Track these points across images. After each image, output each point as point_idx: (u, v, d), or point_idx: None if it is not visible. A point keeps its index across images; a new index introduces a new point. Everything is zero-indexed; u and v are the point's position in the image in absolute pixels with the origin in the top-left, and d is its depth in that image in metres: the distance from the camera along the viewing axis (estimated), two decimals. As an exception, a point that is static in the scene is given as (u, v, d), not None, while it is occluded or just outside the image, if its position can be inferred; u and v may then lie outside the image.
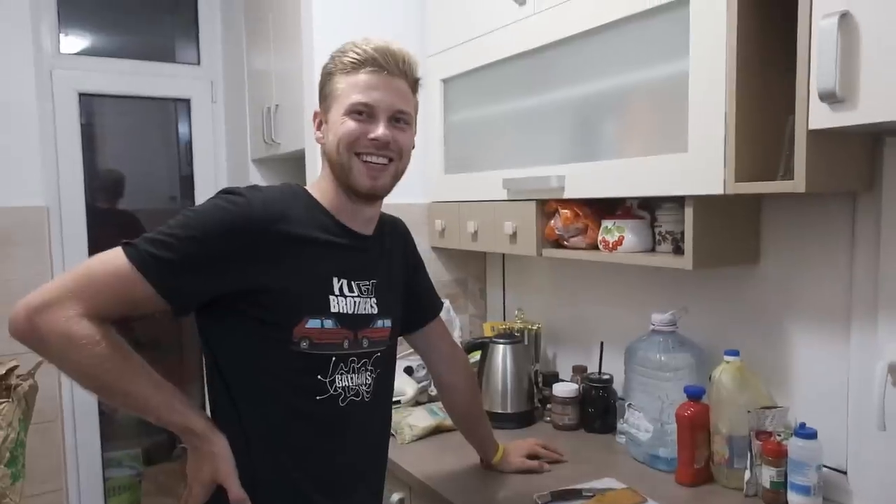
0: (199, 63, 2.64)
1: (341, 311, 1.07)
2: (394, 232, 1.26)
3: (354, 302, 1.10)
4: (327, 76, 1.11)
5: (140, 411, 1.01)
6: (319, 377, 1.05)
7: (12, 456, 1.22)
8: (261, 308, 1.01)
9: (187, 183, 2.68)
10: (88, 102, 2.47)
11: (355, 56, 1.06)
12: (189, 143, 2.65)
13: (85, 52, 2.48)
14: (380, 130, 1.06)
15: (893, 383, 1.16)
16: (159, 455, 2.73)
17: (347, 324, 1.08)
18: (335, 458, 1.10)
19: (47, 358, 0.96)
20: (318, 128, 1.13)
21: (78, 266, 0.97)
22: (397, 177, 1.12)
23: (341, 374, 1.08)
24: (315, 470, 1.07)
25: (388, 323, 1.17)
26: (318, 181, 1.15)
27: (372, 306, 1.13)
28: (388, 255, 1.21)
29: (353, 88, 1.06)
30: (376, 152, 1.07)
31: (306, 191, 1.13)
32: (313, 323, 1.04)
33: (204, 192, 2.57)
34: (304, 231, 1.05)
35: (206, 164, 2.66)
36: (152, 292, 0.96)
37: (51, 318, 0.92)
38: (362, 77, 1.06)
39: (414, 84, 1.12)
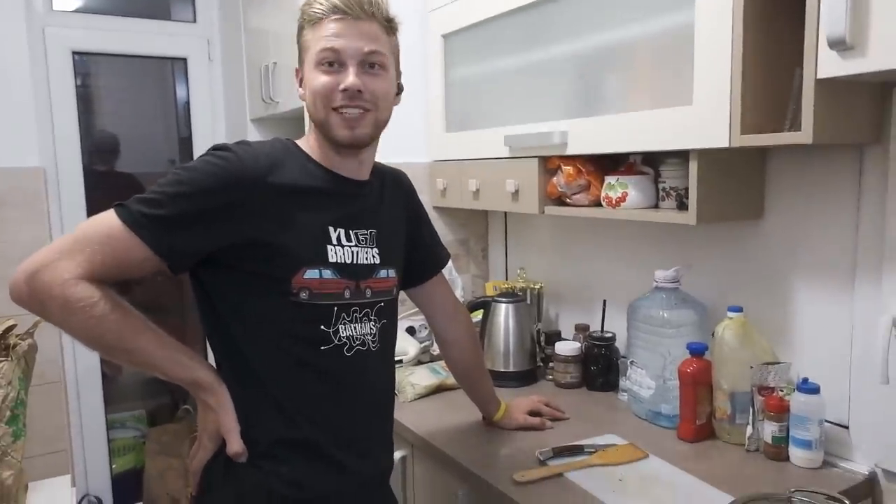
0: (195, 21, 2.58)
1: (339, 260, 1.06)
2: (395, 184, 1.25)
3: (353, 252, 1.09)
4: (299, 31, 1.09)
5: (146, 367, 1.01)
6: (322, 327, 1.05)
7: (13, 414, 1.22)
8: (258, 261, 1.01)
9: (186, 144, 2.65)
10: (83, 62, 2.42)
11: (319, 6, 1.04)
12: (187, 104, 2.62)
13: (78, 10, 2.43)
14: (349, 80, 1.03)
15: (897, 337, 1.16)
16: (163, 416, 2.76)
17: (347, 274, 1.07)
18: (346, 409, 1.10)
19: (50, 321, 0.96)
20: (300, 84, 1.12)
21: (74, 229, 0.97)
22: (379, 125, 1.10)
23: (344, 324, 1.07)
24: (327, 423, 1.07)
25: (391, 273, 1.16)
26: (306, 135, 1.14)
27: (374, 256, 1.12)
28: (389, 205, 1.20)
29: (318, 39, 1.04)
30: (350, 103, 1.04)
31: (296, 144, 1.12)
32: (311, 273, 1.03)
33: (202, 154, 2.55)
34: (296, 181, 1.04)
35: (204, 124, 2.63)
36: (148, 252, 0.95)
37: (48, 282, 0.92)
38: (328, 26, 1.04)
39: (387, 25, 1.08)
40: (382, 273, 1.14)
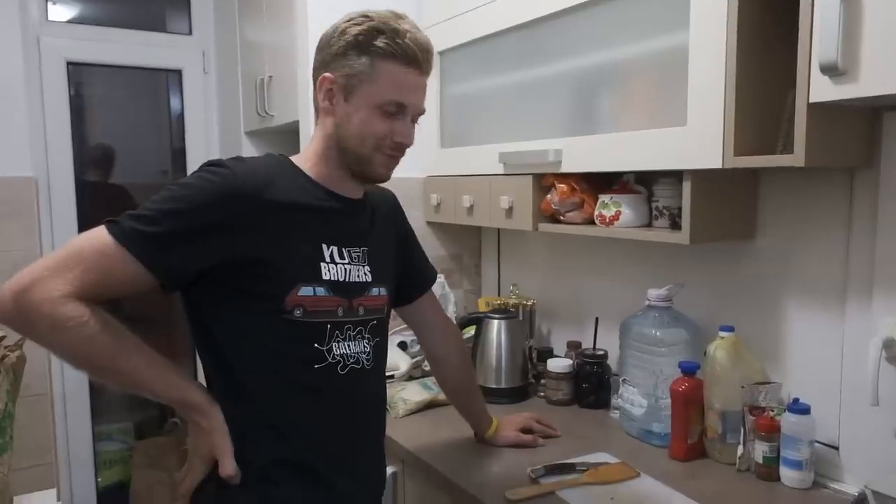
0: (190, 33, 2.59)
1: (333, 278, 1.06)
2: (384, 203, 1.25)
3: (346, 269, 1.08)
4: (363, 48, 1.03)
5: (136, 389, 0.98)
6: (316, 345, 1.04)
7: (0, 427, 1.20)
8: (252, 279, 1.00)
9: (179, 156, 2.65)
10: (77, 72, 2.42)
11: (406, 48, 1.03)
12: (181, 116, 2.62)
13: (73, 20, 2.43)
14: (411, 136, 1.09)
15: (887, 359, 1.17)
16: (150, 429, 2.73)
17: (341, 292, 1.07)
18: (340, 428, 1.09)
19: (38, 341, 0.93)
20: (330, 98, 1.07)
21: (63, 246, 0.95)
22: None
23: (338, 342, 1.07)
24: (321, 442, 1.06)
25: (383, 291, 1.16)
26: (307, 154, 1.12)
27: (366, 274, 1.12)
28: (380, 224, 1.20)
29: (394, 84, 1.04)
30: (399, 152, 1.09)
31: (290, 160, 1.11)
32: (306, 290, 1.02)
33: (196, 165, 2.50)
34: (290, 198, 1.03)
35: (198, 136, 2.62)
36: (140, 269, 0.93)
37: (37, 301, 0.89)
38: (407, 76, 1.05)
39: None
40: (374, 291, 1.13)
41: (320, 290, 1.04)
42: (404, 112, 1.06)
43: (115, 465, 2.63)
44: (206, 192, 0.97)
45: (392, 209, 1.28)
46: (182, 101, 2.60)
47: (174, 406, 1.02)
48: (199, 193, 0.96)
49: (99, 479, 2.54)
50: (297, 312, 1.02)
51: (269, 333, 1.02)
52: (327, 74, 1.06)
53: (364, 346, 1.11)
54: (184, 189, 0.97)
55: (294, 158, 1.12)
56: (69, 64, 2.35)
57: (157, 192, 0.98)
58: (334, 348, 1.06)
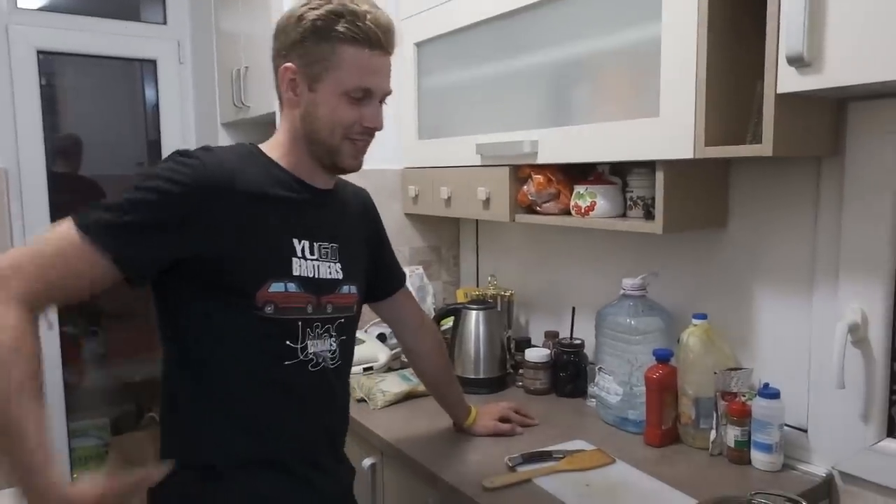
0: (165, 22, 2.55)
1: (303, 274, 1.04)
2: (356, 200, 1.24)
3: (315, 266, 1.06)
4: (323, 35, 1.00)
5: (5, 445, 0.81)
6: (289, 343, 1.03)
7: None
8: (222, 273, 0.98)
9: (154, 148, 2.61)
10: (49, 62, 2.37)
11: (368, 31, 1.00)
12: (156, 107, 2.58)
13: (44, 8, 2.38)
14: (378, 119, 1.05)
15: (852, 343, 1.20)
16: (127, 424, 2.71)
17: (311, 288, 1.05)
18: (311, 425, 1.09)
19: None
20: (293, 89, 1.04)
21: (34, 234, 0.92)
22: None
23: (311, 340, 1.06)
24: (293, 440, 1.06)
25: (353, 289, 1.15)
26: (276, 142, 1.09)
27: (337, 271, 1.11)
28: (351, 221, 1.19)
29: (359, 69, 1.01)
30: (367, 137, 1.07)
31: (260, 149, 1.08)
32: (277, 287, 1.01)
33: (171, 158, 2.51)
34: (262, 189, 1.01)
35: (173, 127, 2.59)
36: (104, 261, 0.89)
37: None
38: (371, 59, 1.01)
39: None
40: (345, 289, 1.12)
41: (291, 287, 1.02)
42: (371, 96, 1.04)
43: (91, 462, 2.60)
44: (175, 182, 0.94)
45: (365, 208, 1.27)
46: (157, 91, 2.57)
47: (25, 485, 0.81)
48: (167, 184, 0.93)
49: (74, 476, 2.51)
50: (269, 309, 1.00)
51: (239, 329, 1.00)
52: (289, 64, 1.02)
53: (329, 345, 1.10)
54: (151, 180, 0.94)
55: (263, 147, 1.09)
56: (40, 53, 2.30)
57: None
58: (309, 346, 1.05)
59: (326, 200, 1.12)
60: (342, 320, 1.12)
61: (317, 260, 1.07)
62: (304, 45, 1.01)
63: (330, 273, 1.09)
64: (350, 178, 2.12)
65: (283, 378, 1.04)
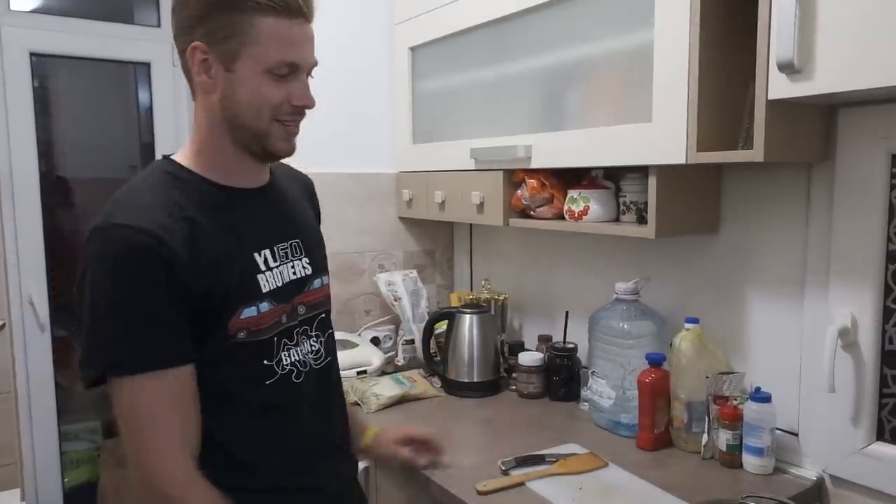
0: (159, 25, 2.55)
1: (272, 287, 0.96)
2: (296, 184, 1.15)
3: (279, 272, 0.99)
4: (233, 4, 0.87)
5: None
6: (265, 362, 0.96)
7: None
8: (200, 313, 0.89)
9: (148, 151, 2.60)
10: (41, 64, 2.36)
11: None
12: (149, 109, 2.57)
13: (37, 10, 2.37)
14: (308, 96, 0.94)
15: (843, 347, 1.21)
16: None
17: (281, 298, 0.98)
18: (306, 440, 1.02)
19: None
20: (206, 71, 0.90)
21: (125, 427, 0.87)
22: None
23: (287, 351, 0.99)
24: (287, 461, 0.99)
25: (325, 279, 1.08)
26: (193, 146, 0.97)
27: (304, 267, 1.03)
28: (298, 205, 1.10)
29: (281, 42, 0.89)
30: (298, 117, 0.95)
31: (178, 164, 0.96)
32: (249, 312, 0.93)
33: (165, 161, 2.50)
34: (201, 216, 0.90)
35: (167, 130, 2.58)
36: (180, 370, 0.87)
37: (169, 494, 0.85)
38: (292, 29, 0.89)
39: None
40: (316, 283, 1.06)
41: (263, 306, 0.95)
42: (297, 71, 0.92)
43: (82, 465, 2.58)
44: (129, 275, 0.84)
45: (307, 192, 1.18)
46: (151, 94, 2.56)
47: None
48: (126, 281, 0.84)
49: (66, 480, 2.49)
50: (241, 335, 0.92)
51: (213, 361, 0.91)
52: (197, 43, 0.89)
53: (311, 346, 1.04)
54: (107, 288, 0.84)
55: (179, 158, 0.97)
56: (33, 55, 2.29)
57: (83, 311, 0.86)
58: (283, 359, 0.98)
59: (269, 198, 1.03)
60: (322, 316, 1.07)
61: (279, 265, 0.99)
62: (211, 18, 0.88)
63: (295, 273, 1.01)
64: (346, 182, 2.13)
65: (265, 399, 0.96)
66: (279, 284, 0.98)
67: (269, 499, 0.97)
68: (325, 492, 1.05)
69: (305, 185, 1.18)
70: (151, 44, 2.55)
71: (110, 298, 0.84)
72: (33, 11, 2.38)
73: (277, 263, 0.99)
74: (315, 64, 0.95)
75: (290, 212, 1.07)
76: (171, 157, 0.99)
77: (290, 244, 1.02)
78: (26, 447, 2.34)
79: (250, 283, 0.94)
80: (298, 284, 1.02)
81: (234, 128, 0.93)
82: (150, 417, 0.86)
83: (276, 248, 0.99)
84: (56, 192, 2.42)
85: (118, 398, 0.86)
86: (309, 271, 1.04)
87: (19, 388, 2.28)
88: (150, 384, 0.85)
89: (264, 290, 0.95)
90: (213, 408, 0.92)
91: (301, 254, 1.04)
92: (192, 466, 0.89)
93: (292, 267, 1.01)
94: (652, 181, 1.31)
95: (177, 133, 2.60)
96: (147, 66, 2.57)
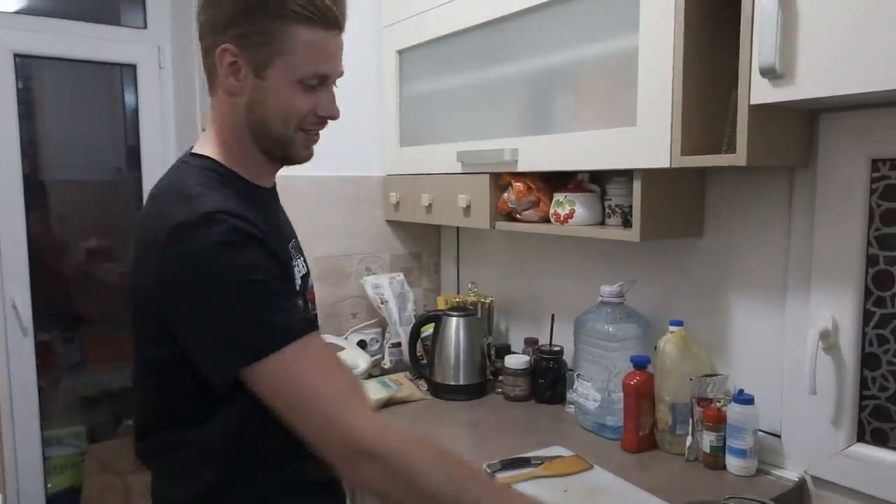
0: (145, 27, 2.54)
1: (298, 283, 0.99)
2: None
3: (297, 269, 1.01)
4: (273, 12, 0.86)
5: None
6: None
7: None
8: None
9: (134, 153, 2.58)
10: (25, 65, 2.35)
11: (324, 8, 0.87)
12: (135, 111, 2.56)
13: (22, 11, 2.35)
14: (335, 107, 0.95)
15: (824, 350, 1.22)
16: (104, 432, 2.66)
17: (300, 293, 1.00)
18: None
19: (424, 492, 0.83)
20: (234, 74, 0.89)
21: (297, 401, 0.84)
22: None
23: None
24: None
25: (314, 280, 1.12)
26: (220, 144, 0.95)
27: (304, 265, 1.06)
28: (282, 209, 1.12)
29: (316, 54, 0.88)
30: (321, 126, 0.97)
31: (218, 162, 0.95)
32: (298, 305, 0.98)
33: (151, 163, 2.48)
34: (254, 213, 0.90)
35: (153, 133, 2.57)
36: (317, 337, 0.89)
37: (373, 441, 0.82)
38: (328, 41, 0.90)
39: None
40: (310, 282, 1.08)
41: (300, 302, 0.98)
42: (326, 81, 0.93)
43: (66, 471, 2.55)
44: (239, 255, 0.83)
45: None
46: (137, 96, 2.54)
47: None
48: (240, 261, 0.83)
49: (49, 485, 2.46)
50: None
51: None
52: (228, 45, 0.87)
53: None
54: (224, 273, 0.83)
55: (214, 156, 0.95)
56: (17, 56, 2.27)
57: (216, 301, 0.83)
58: None
59: (277, 198, 1.06)
60: (314, 314, 1.10)
61: (294, 262, 1.01)
62: (246, 21, 0.86)
63: (302, 270, 1.03)
64: (333, 184, 2.12)
65: None
66: (299, 281, 1.00)
67: (300, 491, 0.97)
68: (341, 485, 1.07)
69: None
70: (137, 45, 2.54)
71: (233, 285, 0.82)
72: (18, 12, 2.36)
73: (293, 261, 1.01)
74: (342, 74, 0.96)
75: (285, 213, 1.10)
76: (200, 153, 0.96)
77: (294, 242, 1.06)
78: (8, 451, 2.32)
79: (293, 278, 0.97)
80: (304, 282, 1.04)
81: (258, 132, 0.93)
82: (322, 382, 0.83)
83: (290, 246, 1.02)
84: (37, 194, 2.39)
85: (278, 378, 0.82)
86: (306, 270, 1.06)
87: (1, 392, 2.26)
88: (305, 352, 0.83)
89: (297, 284, 0.98)
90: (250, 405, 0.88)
91: (300, 253, 1.06)
92: (375, 413, 0.87)
93: (300, 264, 1.04)
94: (637, 185, 1.32)
95: (163, 135, 2.59)
96: (133, 67, 2.55)
